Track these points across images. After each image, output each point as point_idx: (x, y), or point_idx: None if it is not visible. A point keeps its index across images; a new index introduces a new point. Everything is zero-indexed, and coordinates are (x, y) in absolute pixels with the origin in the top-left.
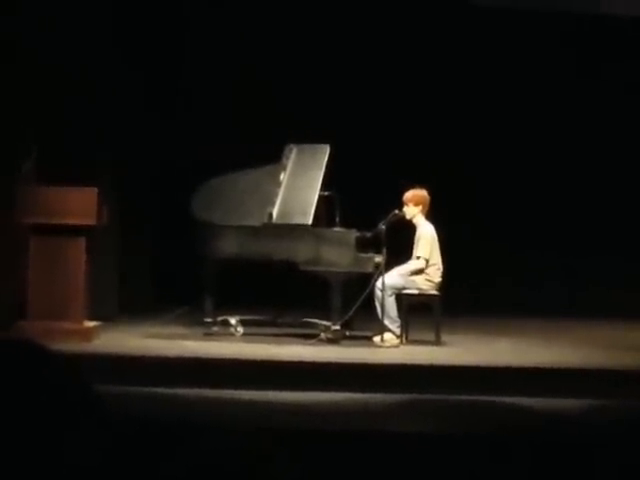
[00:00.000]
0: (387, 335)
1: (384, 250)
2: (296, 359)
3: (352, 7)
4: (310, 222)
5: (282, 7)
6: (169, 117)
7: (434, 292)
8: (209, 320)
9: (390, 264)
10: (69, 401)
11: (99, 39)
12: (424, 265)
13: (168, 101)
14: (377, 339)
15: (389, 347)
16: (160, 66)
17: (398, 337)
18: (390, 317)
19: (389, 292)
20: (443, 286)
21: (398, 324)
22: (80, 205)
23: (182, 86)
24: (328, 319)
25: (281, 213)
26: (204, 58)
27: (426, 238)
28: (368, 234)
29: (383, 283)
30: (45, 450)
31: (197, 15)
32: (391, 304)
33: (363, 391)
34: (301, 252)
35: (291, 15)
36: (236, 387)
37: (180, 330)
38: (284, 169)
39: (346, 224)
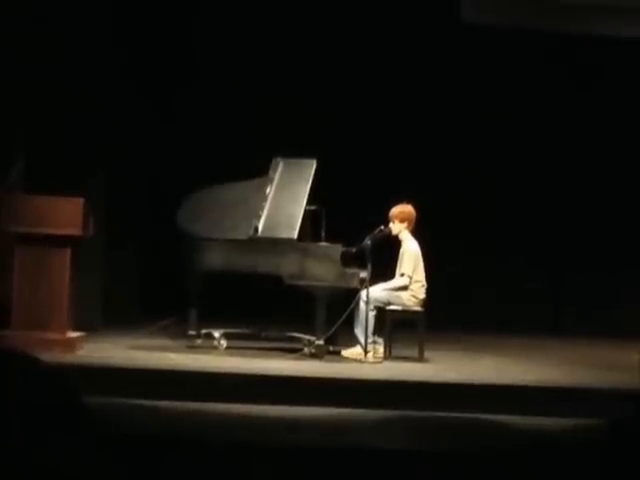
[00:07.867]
0: (355, 349)
1: (369, 266)
2: (279, 373)
3: (344, 23)
4: (296, 236)
5: (270, 21)
6: (158, 129)
7: (418, 308)
8: (193, 333)
9: (375, 280)
10: (56, 409)
11: (94, 49)
12: (408, 282)
13: (157, 114)
14: (345, 352)
15: (373, 363)
16: (153, 78)
17: (366, 352)
18: (364, 329)
19: (371, 306)
20: (427, 303)
21: (370, 340)
22: (66, 215)
23: (172, 100)
24: (312, 334)
25: (267, 227)
26: (196, 72)
27: (410, 255)
28: (353, 249)
29: (367, 296)
30: (30, 456)
31: (183, 25)
32: (370, 318)
33: (345, 407)
34: (286, 266)
35: (281, 29)
36: (218, 400)
37: (164, 342)
38: (270, 183)
39: (332, 239)
